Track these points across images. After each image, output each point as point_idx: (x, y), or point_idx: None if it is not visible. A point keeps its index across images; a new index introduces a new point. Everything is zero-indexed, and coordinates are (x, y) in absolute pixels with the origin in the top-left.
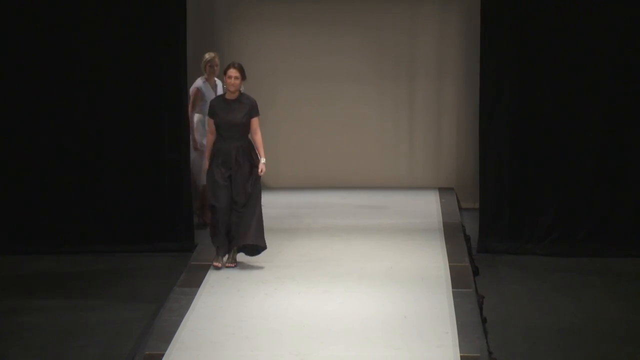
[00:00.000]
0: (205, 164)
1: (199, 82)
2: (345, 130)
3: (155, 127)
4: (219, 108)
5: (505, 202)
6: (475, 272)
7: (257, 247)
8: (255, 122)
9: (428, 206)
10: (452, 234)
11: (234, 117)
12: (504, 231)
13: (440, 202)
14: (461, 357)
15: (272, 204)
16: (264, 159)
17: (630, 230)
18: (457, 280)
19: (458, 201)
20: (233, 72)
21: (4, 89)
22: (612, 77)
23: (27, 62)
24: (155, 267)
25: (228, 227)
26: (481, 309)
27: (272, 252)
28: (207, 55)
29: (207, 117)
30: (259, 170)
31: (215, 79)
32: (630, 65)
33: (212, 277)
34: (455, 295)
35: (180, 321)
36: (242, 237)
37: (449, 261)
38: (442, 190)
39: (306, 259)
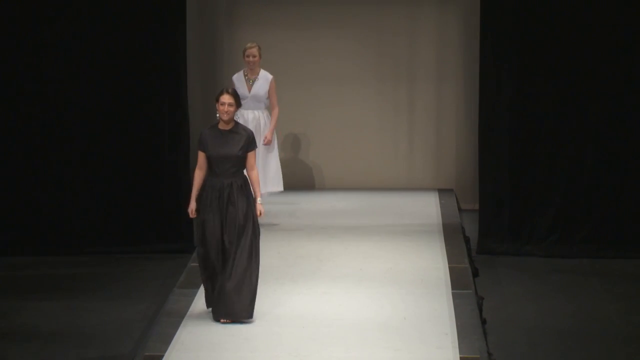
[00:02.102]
0: (191, 203)
1: (236, 74)
2: (345, 131)
3: (155, 128)
4: (211, 140)
5: (504, 203)
6: (475, 274)
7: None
8: (251, 156)
9: (427, 207)
10: (452, 235)
11: (229, 150)
12: (504, 232)
13: (440, 203)
14: (461, 358)
15: (272, 205)
16: (260, 199)
17: (629, 232)
18: (456, 282)
19: (458, 202)
20: (226, 98)
21: (2, 89)
22: (612, 78)
23: (26, 62)
24: (155, 269)
25: (215, 280)
26: (481, 311)
27: (272, 254)
28: (246, 45)
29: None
30: (257, 212)
31: (261, 70)
32: (631, 65)
33: None
34: (454, 297)
35: (180, 322)
36: (234, 311)
37: (449, 262)
38: (442, 192)
39: (305, 260)
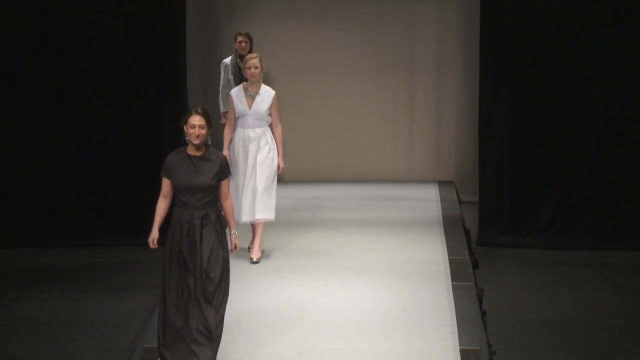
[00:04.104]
0: (153, 231)
1: (235, 88)
2: (345, 124)
3: (155, 121)
4: (179, 167)
5: (504, 195)
6: (475, 266)
7: None
8: (225, 185)
9: (428, 199)
10: (452, 227)
11: (200, 179)
12: (504, 224)
13: (440, 195)
14: (460, 350)
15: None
16: (235, 231)
17: (629, 224)
18: (456, 274)
19: (458, 194)
20: (197, 120)
21: (5, 85)
22: (612, 70)
23: (29, 59)
24: (155, 261)
25: (179, 333)
26: (481, 302)
27: (272, 246)
28: (247, 55)
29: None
30: (231, 246)
31: (263, 85)
32: (632, 57)
33: None
34: (454, 289)
35: None
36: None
37: (449, 254)
38: (442, 184)
39: (306, 252)
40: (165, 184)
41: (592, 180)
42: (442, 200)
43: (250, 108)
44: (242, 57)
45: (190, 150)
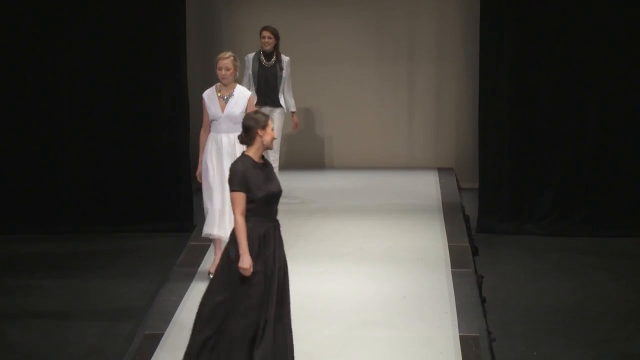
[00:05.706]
0: (248, 258)
1: (208, 90)
2: (345, 110)
3: (154, 109)
4: (255, 178)
5: (504, 182)
6: (475, 252)
7: None
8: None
9: (427, 186)
10: (452, 214)
11: (278, 185)
12: (504, 211)
13: (440, 182)
14: (460, 336)
15: None
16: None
17: (629, 210)
18: (456, 260)
19: (457, 181)
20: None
21: (5, 72)
22: (614, 58)
23: (31, 47)
24: (155, 248)
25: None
26: (480, 289)
27: None
28: (219, 55)
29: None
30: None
31: (237, 85)
32: (632, 45)
33: (211, 257)
34: (454, 275)
35: (180, 301)
36: None
37: (449, 241)
38: (442, 171)
39: (305, 239)
40: (244, 199)
41: (591, 167)
42: (442, 187)
43: (223, 111)
44: (265, 54)
45: (256, 158)
